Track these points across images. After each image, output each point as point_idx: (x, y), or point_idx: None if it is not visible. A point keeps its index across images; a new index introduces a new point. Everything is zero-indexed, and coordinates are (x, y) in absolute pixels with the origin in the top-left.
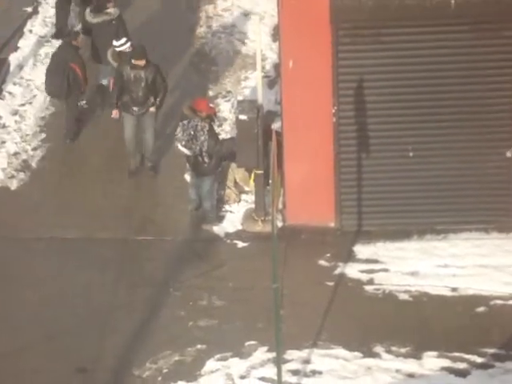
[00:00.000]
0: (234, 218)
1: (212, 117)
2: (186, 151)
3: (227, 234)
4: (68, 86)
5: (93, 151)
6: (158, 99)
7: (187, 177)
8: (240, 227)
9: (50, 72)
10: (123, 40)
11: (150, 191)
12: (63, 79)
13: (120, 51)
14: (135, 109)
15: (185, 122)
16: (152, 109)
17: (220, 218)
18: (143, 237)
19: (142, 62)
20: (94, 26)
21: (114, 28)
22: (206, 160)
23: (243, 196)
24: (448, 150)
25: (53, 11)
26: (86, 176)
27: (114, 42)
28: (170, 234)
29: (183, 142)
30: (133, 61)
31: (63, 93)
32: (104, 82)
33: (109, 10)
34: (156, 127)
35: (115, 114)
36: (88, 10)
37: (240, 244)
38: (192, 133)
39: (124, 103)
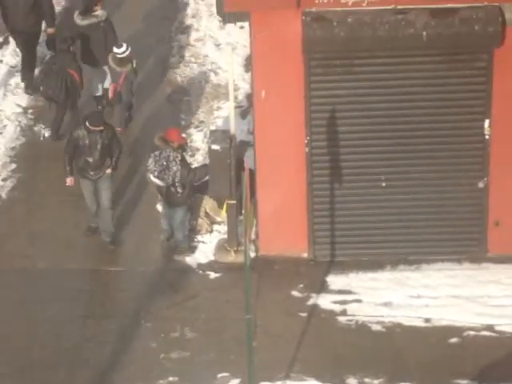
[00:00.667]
0: (206, 249)
1: (184, 147)
2: (158, 182)
3: (200, 265)
4: (66, 90)
5: (63, 181)
6: (113, 160)
7: (159, 207)
8: (213, 258)
9: (46, 76)
10: (124, 47)
11: (120, 220)
12: (61, 84)
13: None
14: (92, 173)
15: (156, 153)
16: (108, 171)
17: (192, 249)
18: (114, 267)
19: (99, 128)
20: (82, 29)
21: (102, 30)
22: (179, 190)
23: (216, 226)
24: (421, 180)
25: None
26: (57, 206)
27: (115, 49)
28: (142, 265)
29: (155, 173)
30: (89, 126)
31: (61, 97)
32: (100, 87)
33: (96, 13)
34: (113, 191)
35: (70, 181)
36: (76, 13)
37: (212, 275)
38: (164, 163)
39: (80, 169)
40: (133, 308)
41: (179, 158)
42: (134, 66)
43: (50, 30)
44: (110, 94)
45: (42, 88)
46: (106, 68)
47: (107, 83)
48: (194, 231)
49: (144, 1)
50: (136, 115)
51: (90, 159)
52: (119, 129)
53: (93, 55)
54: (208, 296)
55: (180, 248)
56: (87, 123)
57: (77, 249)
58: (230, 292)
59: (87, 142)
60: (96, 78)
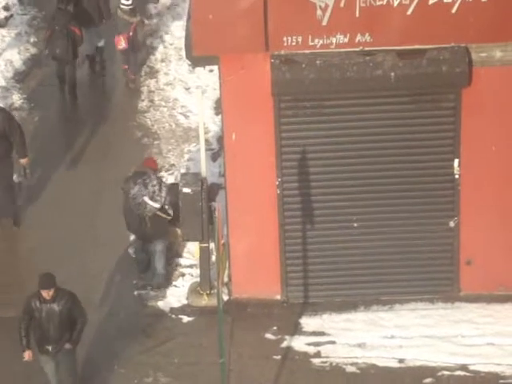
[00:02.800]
0: (179, 293)
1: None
2: (153, 204)
3: (172, 309)
4: (72, 47)
5: (31, 227)
6: (74, 333)
7: (130, 250)
8: (185, 302)
9: (52, 37)
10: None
11: (92, 266)
12: (68, 42)
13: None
14: (49, 348)
15: (140, 180)
16: (67, 346)
17: (169, 282)
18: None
19: (50, 293)
20: None
21: None
22: (170, 212)
23: (188, 270)
24: (392, 220)
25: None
26: (25, 253)
27: (123, 2)
28: (114, 310)
29: (146, 197)
30: (41, 291)
31: (69, 55)
32: (100, 44)
33: None
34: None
35: (28, 356)
36: None
37: (185, 319)
38: (156, 187)
39: (36, 342)
40: (105, 354)
41: (163, 181)
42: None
43: (23, 161)
44: (124, 45)
45: (47, 51)
46: (98, 28)
47: (101, 42)
48: (172, 263)
49: (111, 44)
50: (107, 160)
51: (47, 332)
52: (133, 76)
53: (86, 15)
54: (181, 340)
55: (157, 281)
56: (39, 288)
57: None
58: (203, 336)
59: (44, 312)
60: (89, 38)
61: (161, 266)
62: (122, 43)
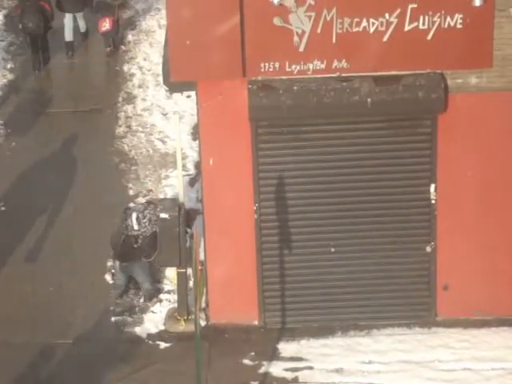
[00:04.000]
0: (156, 318)
1: None
2: (134, 225)
3: (149, 335)
4: (44, 21)
5: (9, 252)
6: None
7: (107, 277)
8: (162, 327)
9: (25, 13)
10: None
11: (69, 292)
12: (39, 17)
13: None
14: None
15: (141, 208)
16: None
17: (159, 292)
18: (63, 340)
19: None
20: None
21: None
22: (139, 242)
23: (165, 295)
24: (369, 245)
25: None
26: (1, 276)
27: None
28: (91, 336)
29: (135, 214)
30: None
31: (40, 29)
32: (72, 34)
33: None
34: None
35: None
36: None
37: (163, 345)
38: (148, 216)
39: None
40: (83, 380)
41: (155, 215)
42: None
43: None
44: (108, 26)
45: (21, 25)
46: (80, 14)
47: (83, 28)
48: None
49: (89, 72)
50: (83, 185)
51: None
52: (115, 49)
53: (69, 2)
54: (158, 367)
55: (149, 295)
56: None
57: (23, 322)
58: (180, 362)
59: None
60: (68, 24)
61: (148, 284)
62: (106, 25)
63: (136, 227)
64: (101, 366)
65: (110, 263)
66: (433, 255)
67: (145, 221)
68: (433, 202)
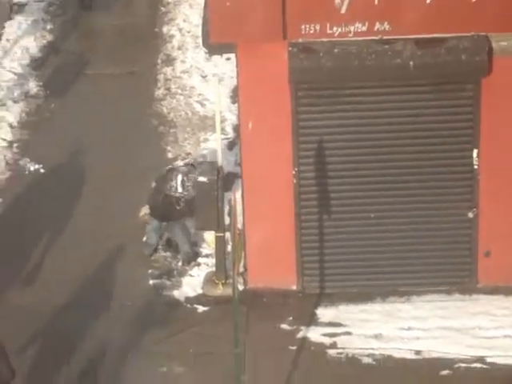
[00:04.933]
0: (194, 282)
1: None
2: (179, 187)
3: (187, 299)
4: None
5: (49, 215)
6: None
7: (144, 239)
8: (200, 291)
9: None
10: None
11: (106, 254)
12: None
13: None
14: None
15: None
16: None
17: (198, 255)
18: (101, 301)
19: None
20: None
21: None
22: (181, 205)
23: (204, 259)
24: (410, 210)
25: (8, 75)
26: (38, 243)
27: None
28: (129, 299)
29: (180, 176)
30: None
31: None
32: None
33: None
34: None
35: None
36: None
37: (200, 308)
38: (192, 179)
39: None
40: (121, 343)
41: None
42: None
43: None
44: None
45: None
46: None
47: None
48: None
49: (129, 33)
50: (121, 147)
51: None
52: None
53: None
54: (196, 330)
55: (187, 258)
56: None
57: (61, 285)
58: (218, 326)
59: None
60: None
61: (187, 246)
62: None
63: (180, 189)
64: (139, 328)
65: (147, 225)
66: (475, 221)
67: (189, 184)
68: (475, 167)
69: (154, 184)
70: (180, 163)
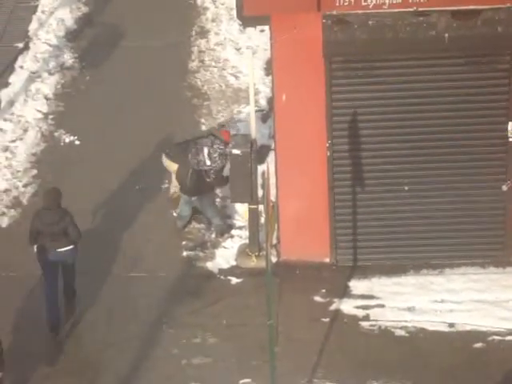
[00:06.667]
0: (227, 254)
1: None
2: (207, 160)
3: (221, 270)
4: None
5: (84, 187)
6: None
7: (175, 214)
8: (234, 263)
9: None
10: None
11: (141, 227)
12: None
13: None
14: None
15: (210, 143)
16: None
17: (230, 228)
18: (135, 273)
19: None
20: None
21: None
22: (212, 177)
23: (237, 231)
24: (443, 183)
25: (44, 47)
26: (78, 213)
27: None
28: (163, 271)
29: (206, 149)
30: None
31: None
32: None
33: None
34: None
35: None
36: None
37: (234, 280)
38: (218, 151)
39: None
40: (154, 314)
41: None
42: None
43: None
44: None
45: None
46: None
47: None
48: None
49: (163, 5)
50: (156, 120)
51: None
52: None
53: None
54: (229, 301)
55: (220, 230)
56: None
57: (97, 254)
58: (251, 297)
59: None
60: None
61: (217, 219)
62: None
63: (208, 162)
64: (173, 299)
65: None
66: (509, 194)
67: (215, 155)
68: (510, 139)
69: (166, 159)
70: (196, 136)
